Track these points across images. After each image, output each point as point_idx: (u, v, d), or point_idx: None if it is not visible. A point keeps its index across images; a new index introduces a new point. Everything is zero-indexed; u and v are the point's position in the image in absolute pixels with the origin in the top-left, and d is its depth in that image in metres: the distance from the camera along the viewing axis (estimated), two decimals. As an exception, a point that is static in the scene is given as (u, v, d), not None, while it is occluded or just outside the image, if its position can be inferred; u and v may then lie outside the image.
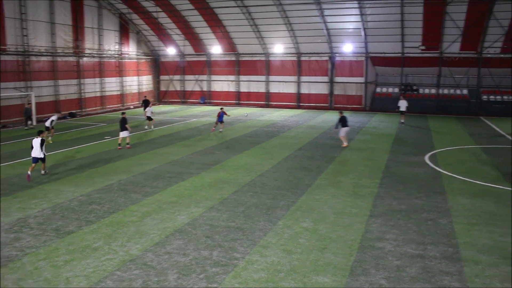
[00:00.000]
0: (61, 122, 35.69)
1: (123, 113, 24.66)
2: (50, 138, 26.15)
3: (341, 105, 44.89)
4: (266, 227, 12.38)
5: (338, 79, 45.19)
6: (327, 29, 41.88)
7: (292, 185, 16.72)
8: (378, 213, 13.60)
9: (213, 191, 15.92)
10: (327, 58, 45.11)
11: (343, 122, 24.71)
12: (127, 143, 23.97)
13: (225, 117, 30.68)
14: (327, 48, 44.16)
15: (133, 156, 22.13)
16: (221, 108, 30.92)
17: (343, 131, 24.72)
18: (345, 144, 24.66)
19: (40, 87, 36.96)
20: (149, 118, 31.37)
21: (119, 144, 23.96)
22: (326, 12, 39.72)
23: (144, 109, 37.65)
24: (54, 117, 27.10)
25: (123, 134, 23.73)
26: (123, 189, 16.21)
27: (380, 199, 15.05)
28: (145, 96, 44.48)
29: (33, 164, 17.82)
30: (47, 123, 26.37)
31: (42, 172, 18.57)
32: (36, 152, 17.75)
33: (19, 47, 34.86)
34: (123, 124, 23.67)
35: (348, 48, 42.62)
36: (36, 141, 17.80)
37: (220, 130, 30.18)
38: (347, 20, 40.60)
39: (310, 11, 39.59)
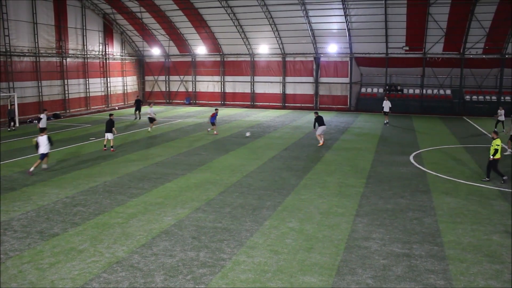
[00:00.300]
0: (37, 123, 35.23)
1: (110, 115, 24.38)
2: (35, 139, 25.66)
3: (326, 105, 45.16)
4: (253, 228, 12.38)
5: (323, 79, 45.41)
6: (312, 30, 42.07)
7: (278, 186, 16.75)
8: (364, 212, 13.69)
9: (199, 192, 15.87)
10: (312, 58, 45.30)
11: (319, 121, 25.34)
12: (111, 146, 23.67)
13: (221, 116, 30.39)
14: (312, 48, 44.35)
15: (118, 157, 21.96)
16: (216, 109, 30.64)
17: (319, 129, 25.40)
18: (321, 142, 25.10)
19: (23, 88, 36.47)
20: (151, 120, 30.43)
21: (104, 146, 23.77)
22: (310, 13, 39.92)
23: (136, 109, 38.15)
24: (43, 116, 26.80)
25: (109, 135, 23.51)
26: (108, 191, 16.08)
27: (366, 198, 15.16)
28: (138, 96, 44.30)
29: (39, 161, 18.85)
30: (43, 124, 26.07)
31: (46, 166, 19.51)
32: (43, 149, 18.80)
33: (1, 47, 34.36)
34: (109, 125, 23.44)
35: (332, 48, 42.85)
36: (42, 139, 18.84)
37: (209, 129, 30.07)
38: (332, 21, 40.85)
39: (294, 11, 39.73)
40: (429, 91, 43.45)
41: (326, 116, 39.07)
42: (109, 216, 13.37)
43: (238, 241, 11.47)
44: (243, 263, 10.18)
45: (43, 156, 18.90)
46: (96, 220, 13.03)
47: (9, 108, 32.49)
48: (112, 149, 23.51)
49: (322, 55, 44.65)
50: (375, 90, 45.15)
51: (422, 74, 42.87)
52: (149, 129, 30.24)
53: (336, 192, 15.96)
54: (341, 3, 37.72)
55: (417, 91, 43.75)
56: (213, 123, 29.27)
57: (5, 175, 18.40)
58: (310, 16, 40.30)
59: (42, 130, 19.86)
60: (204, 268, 9.93)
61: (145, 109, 39.69)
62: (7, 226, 12.64)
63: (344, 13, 38.82)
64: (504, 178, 17.12)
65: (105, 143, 23.84)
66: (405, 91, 44.27)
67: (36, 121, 35.98)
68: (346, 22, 39.96)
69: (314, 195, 15.50)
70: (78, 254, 10.69)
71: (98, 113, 42.70)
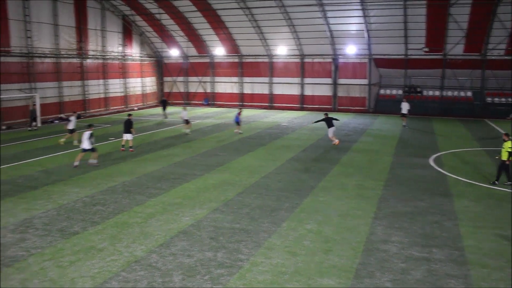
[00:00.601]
0: (65, 123, 35.75)
1: (129, 115, 24.57)
2: (63, 140, 25.93)
3: (345, 107, 44.92)
4: (271, 229, 12.37)
5: (341, 81, 45.18)
6: (330, 31, 41.89)
7: (296, 187, 16.71)
8: (382, 215, 13.58)
9: (217, 193, 15.92)
10: (330, 59, 45.10)
11: (328, 122, 25.47)
12: (130, 147, 23.83)
13: (232, 118, 30.63)
14: (330, 49, 44.16)
15: (136, 157, 22.15)
16: (240, 109, 31.05)
17: (330, 131, 25.59)
18: (336, 142, 25.40)
19: (44, 89, 37.03)
20: (187, 121, 30.54)
21: (123, 146, 23.96)
22: (329, 14, 39.74)
23: (164, 109, 39.60)
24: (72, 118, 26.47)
25: (127, 136, 23.68)
26: (127, 191, 16.23)
27: (384, 201, 15.03)
28: (163, 96, 44.74)
29: (82, 153, 20.23)
30: (73, 126, 25.74)
31: (95, 162, 20.53)
32: (85, 144, 19.99)
33: (23, 49, 34.96)
34: (128, 126, 23.62)
35: (351, 50, 42.58)
36: (85, 134, 20.03)
37: (235, 131, 30.22)
38: (350, 22, 40.61)
39: (313, 12, 39.60)
40: (449, 93, 42.89)
41: (344, 117, 38.92)
42: (128, 216, 13.49)
43: (256, 242, 11.47)
44: (261, 264, 10.18)
45: (85, 150, 20.14)
46: (115, 220, 13.16)
47: (31, 108, 33.03)
48: (131, 149, 23.67)
49: (340, 56, 44.43)
50: (394, 91, 44.75)
51: (442, 75, 42.35)
52: (188, 130, 30.33)
53: (354, 194, 15.86)
54: (360, 4, 37.51)
55: (437, 93, 43.23)
56: (237, 123, 29.72)
57: (27, 174, 18.71)
58: (329, 17, 40.14)
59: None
60: (221, 269, 9.96)
61: (171, 109, 40.12)
62: (28, 224, 12.85)
63: (363, 14, 38.58)
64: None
65: (123, 143, 24.03)
66: (424, 92, 43.78)
67: (57, 121, 36.55)
68: (365, 23, 39.71)
69: (332, 197, 15.43)
70: (97, 253, 10.81)
71: (117, 114, 43.14)
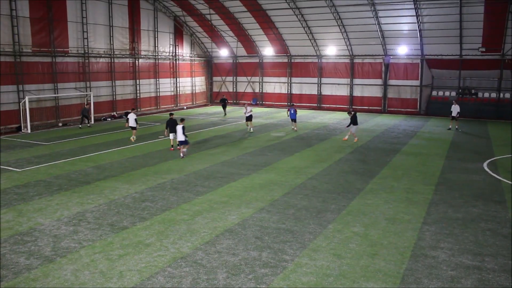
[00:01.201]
0: (117, 121, 36.93)
1: (171, 114, 25.00)
2: (133, 137, 27.01)
3: (395, 109, 43.92)
4: (316, 230, 12.27)
5: (392, 81, 44.21)
6: (381, 31, 41.06)
7: (343, 189, 16.50)
8: (432, 220, 13.17)
9: (263, 193, 15.95)
10: (381, 60, 44.22)
11: (354, 120, 26.43)
12: (178, 145, 24.13)
13: (280, 118, 30.82)
14: (381, 50, 43.30)
15: (185, 155, 22.51)
16: (292, 105, 31.86)
17: (354, 128, 26.79)
18: (356, 139, 26.90)
19: (98, 87, 38.37)
20: (249, 118, 31.21)
21: (172, 146, 24.34)
22: (380, 14, 38.96)
23: (224, 108, 41.18)
24: (131, 116, 27.44)
25: (173, 135, 24.08)
26: (175, 188, 16.54)
27: (434, 206, 14.58)
28: (224, 95, 45.60)
29: (180, 146, 22.50)
30: (133, 123, 26.88)
31: (181, 155, 22.11)
32: (180, 137, 22.00)
33: (80, 49, 36.35)
34: (172, 125, 23.89)
35: (403, 50, 41.58)
36: (179, 128, 21.96)
37: (294, 128, 31.32)
38: (402, 22, 39.62)
39: (364, 12, 38.95)
40: (507, 95, 41.06)
41: (395, 119, 38.10)
42: (175, 213, 13.75)
43: (301, 243, 11.41)
44: (305, 266, 10.12)
45: (181, 142, 22.09)
46: (163, 216, 13.44)
47: (84, 106, 34.20)
48: (178, 147, 24.06)
49: (391, 56, 43.46)
50: (447, 93, 43.33)
51: (499, 77, 40.62)
52: (251, 129, 30.94)
53: (403, 198, 15.48)
54: (412, 3, 36.52)
55: (493, 95, 41.48)
56: (294, 120, 30.84)
57: (81, 169, 19.42)
58: (380, 17, 39.36)
59: (182, 120, 22.26)
60: (266, 268, 9.97)
61: (230, 108, 40.73)
62: (81, 217, 13.34)
63: (416, 13, 37.55)
64: None
65: (172, 143, 24.43)
66: (479, 94, 42.15)
67: (109, 119, 37.74)
68: (418, 22, 38.64)
69: (380, 200, 15.12)
70: (145, 248, 11.08)
71: (167, 112, 43.94)
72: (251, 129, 31.00)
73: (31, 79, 32.66)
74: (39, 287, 9.14)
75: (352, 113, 26.78)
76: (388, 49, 42.99)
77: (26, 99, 30.75)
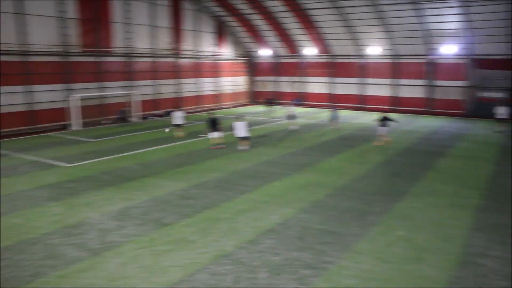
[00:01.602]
0: (160, 119, 37.61)
1: (210, 113, 25.39)
2: (182, 133, 28.00)
3: (440, 110, 42.76)
4: (359, 233, 12.11)
5: (436, 82, 43.08)
6: (426, 30, 40.06)
7: (387, 191, 16.21)
8: (481, 226, 12.73)
9: (305, 193, 15.88)
10: (425, 60, 43.16)
11: (385, 122, 25.78)
12: (217, 144, 24.51)
13: (323, 118, 30.73)
14: (426, 49, 42.25)
15: (228, 154, 22.70)
16: (334, 105, 32.06)
17: (383, 130, 25.92)
18: (381, 143, 25.77)
19: (141, 86, 39.20)
20: (291, 117, 32.72)
21: (213, 144, 24.56)
22: (425, 12, 38.00)
23: (270, 107, 41.85)
24: (180, 113, 28.19)
25: (214, 134, 24.37)
26: (218, 186, 16.69)
27: (484, 212, 14.08)
28: (271, 95, 46.20)
29: (241, 141, 23.76)
30: (180, 121, 27.78)
31: (247, 147, 23.78)
32: (242, 132, 23.54)
33: (124, 49, 37.23)
34: (213, 124, 24.30)
35: (448, 49, 40.41)
36: (241, 124, 23.52)
37: (331, 127, 31.63)
38: (448, 20, 38.42)
39: (407, 11, 38.10)
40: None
41: (440, 121, 37.16)
42: (218, 211, 13.87)
43: (344, 245, 11.29)
44: (348, 268, 10.01)
45: (242, 138, 23.54)
46: (206, 214, 13.59)
47: (122, 108, 34.45)
48: (218, 146, 24.29)
49: (436, 56, 42.36)
50: (495, 94, 41.79)
51: (554, 78, 38.86)
52: (296, 127, 31.64)
53: (451, 202, 15.05)
54: (459, 0, 35.43)
55: (546, 97, 39.77)
56: (334, 119, 31.24)
57: (126, 166, 19.89)
58: (425, 16, 38.40)
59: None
60: (307, 269, 9.92)
61: (260, 108, 40.88)
62: (127, 212, 13.68)
63: (463, 11, 36.42)
64: None
65: (211, 142, 24.63)
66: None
67: (152, 118, 38.48)
68: (465, 20, 37.45)
69: (426, 204, 14.76)
70: (188, 244, 11.23)
71: (208, 111, 44.44)
72: (293, 127, 31.17)
73: (78, 78, 33.73)
74: (86, 279, 9.42)
75: (384, 116, 25.96)
76: (433, 49, 41.92)
77: (74, 97, 31.78)
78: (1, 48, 28.68)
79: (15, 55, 29.51)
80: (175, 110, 28.49)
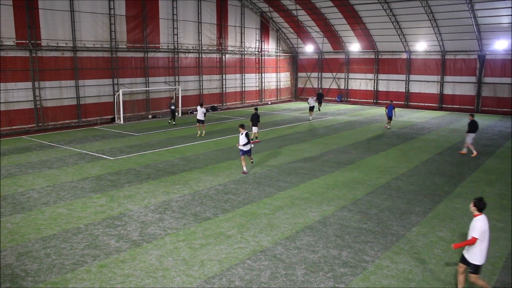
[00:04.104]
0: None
1: (256, 109, 25.47)
2: (204, 131, 27.45)
3: (490, 108, 41.20)
4: (399, 233, 11.87)
5: (487, 79, 41.47)
6: (477, 25, 38.60)
7: (430, 191, 15.80)
8: (529, 229, 12.23)
9: (346, 191, 15.69)
10: (475, 56, 41.63)
11: (473, 127, 21.89)
12: (256, 137, 24.84)
13: (366, 116, 30.10)
14: (476, 45, 40.75)
15: (268, 150, 22.72)
16: (391, 102, 31.32)
17: (470, 137, 21.97)
18: (474, 153, 21.86)
19: (186, 82, 39.77)
20: (312, 108, 35.08)
21: (252, 139, 24.67)
22: (476, 6, 36.58)
23: (319, 103, 41.85)
24: (202, 109, 27.44)
25: (254, 129, 24.58)
26: (258, 182, 16.73)
27: (531, 214, 13.52)
28: (320, 90, 46.44)
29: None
30: (201, 117, 27.10)
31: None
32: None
33: (170, 45, 37.87)
34: (255, 120, 24.51)
35: (501, 45, 38.82)
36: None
37: (387, 127, 30.49)
38: (502, 14, 36.82)
39: (458, 5, 36.80)
40: None
41: (489, 119, 35.87)
42: (257, 206, 13.91)
43: (383, 244, 11.09)
44: (386, 268, 9.83)
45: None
46: (244, 209, 13.66)
47: (172, 106, 33.29)
48: (256, 140, 24.57)
49: (487, 52, 40.79)
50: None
51: None
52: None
53: (496, 204, 14.50)
54: (513, -5, 33.93)
55: None
56: (390, 117, 30.01)
57: (168, 160, 20.26)
58: (476, 10, 36.98)
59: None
60: (345, 268, 9.81)
61: (299, 104, 40.73)
62: (167, 206, 13.92)
63: (517, 6, 34.85)
64: None
65: (252, 137, 24.76)
66: None
67: (195, 112, 39.00)
68: (519, 16, 35.84)
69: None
70: (226, 239, 11.32)
71: (252, 107, 44.65)
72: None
73: (125, 73, 34.58)
74: (126, 269, 9.66)
75: (472, 118, 22.28)
76: (484, 44, 40.39)
77: (120, 92, 32.64)
78: (55, 45, 29.77)
79: (67, 51, 30.56)
80: (198, 106, 27.84)
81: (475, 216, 8.38)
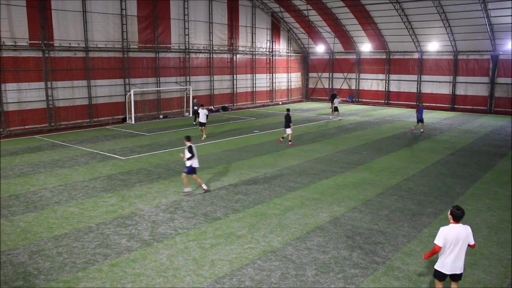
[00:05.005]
0: (214, 114, 38.12)
1: (287, 110, 25.03)
2: (204, 134, 26.38)
3: (503, 109, 40.74)
4: (410, 234, 11.80)
5: (500, 79, 41.01)
6: (490, 25, 38.21)
7: (441, 192, 15.69)
8: (542, 231, 12.08)
9: (356, 191, 15.64)
10: (488, 56, 41.23)
11: None
12: (289, 141, 24.41)
13: (377, 116, 29.72)
14: (489, 45, 40.34)
15: (278, 151, 22.71)
16: (421, 104, 30.12)
17: None
18: None
19: (197, 82, 39.88)
20: (336, 109, 35.26)
21: (282, 137, 24.72)
22: (490, 6, 36.21)
23: (332, 102, 39.79)
24: (204, 111, 26.45)
25: (288, 130, 24.18)
26: (268, 182, 16.73)
27: (545, 216, 13.36)
28: (334, 90, 46.22)
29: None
30: (203, 119, 26.23)
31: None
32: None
33: (181, 45, 38.00)
34: (287, 120, 24.09)
35: (513, 45, 38.38)
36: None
37: (422, 130, 29.37)
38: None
39: (470, 4, 36.47)
40: None
41: (502, 120, 35.55)
42: (267, 207, 13.91)
43: (394, 245, 11.03)
44: (397, 270, 9.78)
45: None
46: (255, 209, 13.67)
47: (195, 107, 32.17)
48: (290, 143, 24.21)
49: (501, 52, 40.35)
50: None
51: None
52: (331, 117, 31.69)
53: (509, 205, 14.35)
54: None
55: None
56: (420, 120, 28.83)
57: (178, 160, 20.27)
58: (489, 9, 36.60)
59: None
60: (356, 269, 9.77)
61: (315, 104, 40.60)
62: (177, 205, 13.98)
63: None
64: None
65: (284, 136, 24.63)
66: None
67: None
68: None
69: (482, 207, 14.17)
70: (236, 239, 11.34)
71: (262, 107, 44.70)
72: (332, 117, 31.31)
73: (136, 73, 34.77)
74: (137, 269, 9.71)
75: None
76: (497, 44, 39.98)
77: (132, 92, 32.82)
78: (68, 45, 30.02)
79: (79, 51, 30.79)
80: (200, 108, 26.91)
81: (450, 223, 7.86)
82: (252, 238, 11.45)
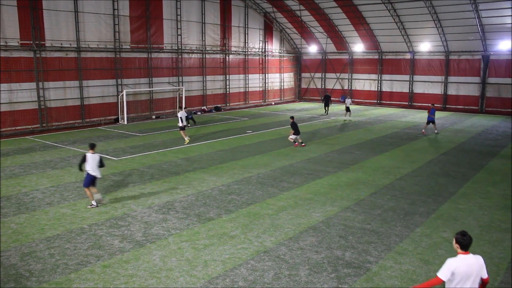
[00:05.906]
0: (207, 115, 38.10)
1: (292, 118, 24.55)
2: (187, 138, 24.98)
3: (494, 109, 41.06)
4: (403, 233, 11.84)
5: (491, 80, 41.34)
6: (481, 25, 38.48)
7: (434, 192, 15.77)
8: (533, 230, 12.18)
9: (349, 191, 15.68)
10: (479, 56, 41.52)
11: None
12: (301, 142, 24.15)
13: (370, 116, 29.71)
14: (480, 45, 40.62)
15: (271, 151, 22.72)
16: (433, 104, 29.95)
17: None
18: None
19: (190, 82, 39.82)
20: (348, 109, 34.96)
21: (295, 141, 24.41)
22: (481, 6, 36.47)
23: (325, 105, 39.83)
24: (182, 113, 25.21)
25: (296, 136, 23.98)
26: (261, 182, 16.74)
27: (536, 214, 13.46)
28: (327, 92, 46.19)
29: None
30: (182, 122, 24.77)
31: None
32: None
33: (174, 46, 37.93)
34: (295, 127, 23.80)
35: (506, 45, 38.69)
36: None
37: (436, 131, 29.09)
38: (506, 14, 36.73)
39: (462, 5, 36.70)
40: None
41: (493, 120, 35.79)
42: (260, 207, 13.91)
43: (387, 245, 11.07)
44: (390, 269, 9.81)
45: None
46: (248, 209, 13.67)
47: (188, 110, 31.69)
48: (303, 144, 24.03)
49: (492, 52, 40.64)
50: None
51: None
52: (345, 118, 31.90)
53: (500, 204, 14.45)
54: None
55: None
56: (432, 122, 28.60)
57: (171, 160, 20.29)
58: (480, 10, 36.85)
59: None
60: (349, 268, 9.79)
61: (310, 105, 40.66)
62: (170, 206, 13.94)
63: (522, 6, 34.68)
64: None
65: (300, 140, 24.28)
66: None
67: (199, 113, 39.00)
68: (524, 16, 35.67)
69: (474, 206, 14.25)
70: (229, 239, 11.33)
71: (255, 108, 44.70)
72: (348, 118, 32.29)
73: (129, 74, 34.67)
74: (129, 270, 9.68)
75: None
76: (489, 45, 40.27)
77: (124, 92, 32.72)
78: (59, 45, 29.86)
79: (71, 51, 30.64)
80: (180, 110, 25.94)
81: (458, 254, 6.57)
82: (245, 238, 11.44)
